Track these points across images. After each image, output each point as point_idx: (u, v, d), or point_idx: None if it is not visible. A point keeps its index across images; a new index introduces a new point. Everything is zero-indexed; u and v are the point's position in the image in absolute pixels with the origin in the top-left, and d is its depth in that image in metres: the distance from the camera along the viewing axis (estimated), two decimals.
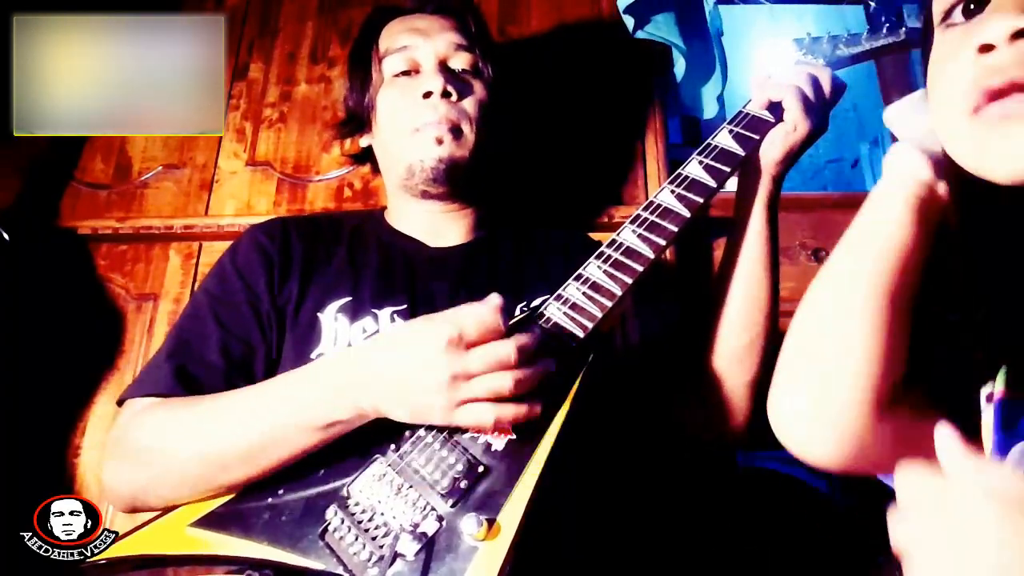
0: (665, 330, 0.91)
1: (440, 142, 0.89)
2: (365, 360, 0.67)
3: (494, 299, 0.66)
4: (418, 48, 0.93)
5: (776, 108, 0.84)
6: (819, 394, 0.57)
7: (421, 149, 0.89)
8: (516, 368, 0.63)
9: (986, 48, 0.43)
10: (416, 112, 0.90)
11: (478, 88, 0.93)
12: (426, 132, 0.89)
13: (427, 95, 0.89)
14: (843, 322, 0.56)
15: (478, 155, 0.91)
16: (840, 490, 1.15)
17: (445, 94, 0.89)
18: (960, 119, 0.45)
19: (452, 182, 0.91)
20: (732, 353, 0.84)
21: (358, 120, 0.99)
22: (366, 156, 1.05)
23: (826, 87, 0.84)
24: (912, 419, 0.55)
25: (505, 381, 0.62)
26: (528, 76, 1.27)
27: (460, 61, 0.94)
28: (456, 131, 0.89)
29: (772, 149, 0.83)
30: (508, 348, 0.63)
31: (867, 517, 1.04)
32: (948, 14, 0.48)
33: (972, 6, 0.46)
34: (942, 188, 0.56)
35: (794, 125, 0.82)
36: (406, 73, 0.93)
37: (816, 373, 0.58)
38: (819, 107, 0.83)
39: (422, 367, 0.63)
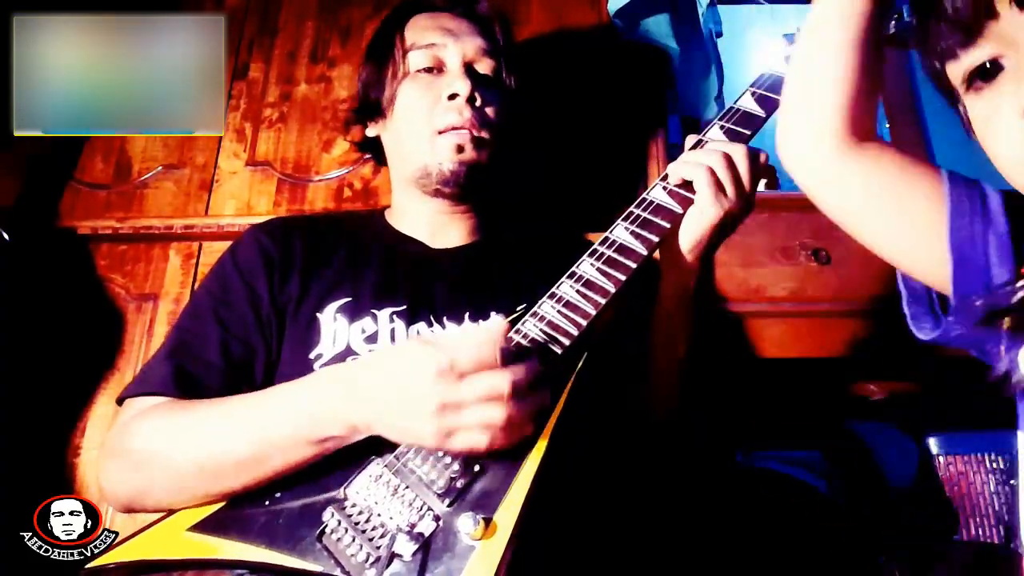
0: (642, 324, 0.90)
1: (461, 149, 0.89)
2: (358, 379, 0.66)
3: (494, 326, 0.64)
4: (446, 47, 0.92)
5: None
6: (804, 117, 0.65)
7: (441, 152, 0.89)
8: (509, 400, 0.61)
9: None
10: (439, 113, 0.89)
11: (501, 95, 0.93)
12: (449, 136, 0.89)
13: (452, 97, 0.89)
14: (818, 59, 0.64)
15: (494, 162, 0.92)
16: (839, 490, 1.15)
17: (470, 99, 0.89)
18: None
19: (467, 187, 0.91)
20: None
21: (372, 108, 0.98)
22: (369, 146, 1.04)
23: (741, 165, 0.76)
24: (877, 161, 0.62)
25: (496, 413, 0.60)
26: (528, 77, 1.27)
27: (485, 66, 0.94)
28: (478, 139, 0.90)
29: (684, 235, 0.77)
30: (501, 381, 0.61)
31: (867, 516, 1.05)
32: (969, 81, 0.51)
33: (988, 65, 0.49)
34: None
35: (700, 210, 0.76)
36: (429, 70, 0.93)
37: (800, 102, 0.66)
38: (736, 188, 0.76)
39: (412, 395, 0.62)
